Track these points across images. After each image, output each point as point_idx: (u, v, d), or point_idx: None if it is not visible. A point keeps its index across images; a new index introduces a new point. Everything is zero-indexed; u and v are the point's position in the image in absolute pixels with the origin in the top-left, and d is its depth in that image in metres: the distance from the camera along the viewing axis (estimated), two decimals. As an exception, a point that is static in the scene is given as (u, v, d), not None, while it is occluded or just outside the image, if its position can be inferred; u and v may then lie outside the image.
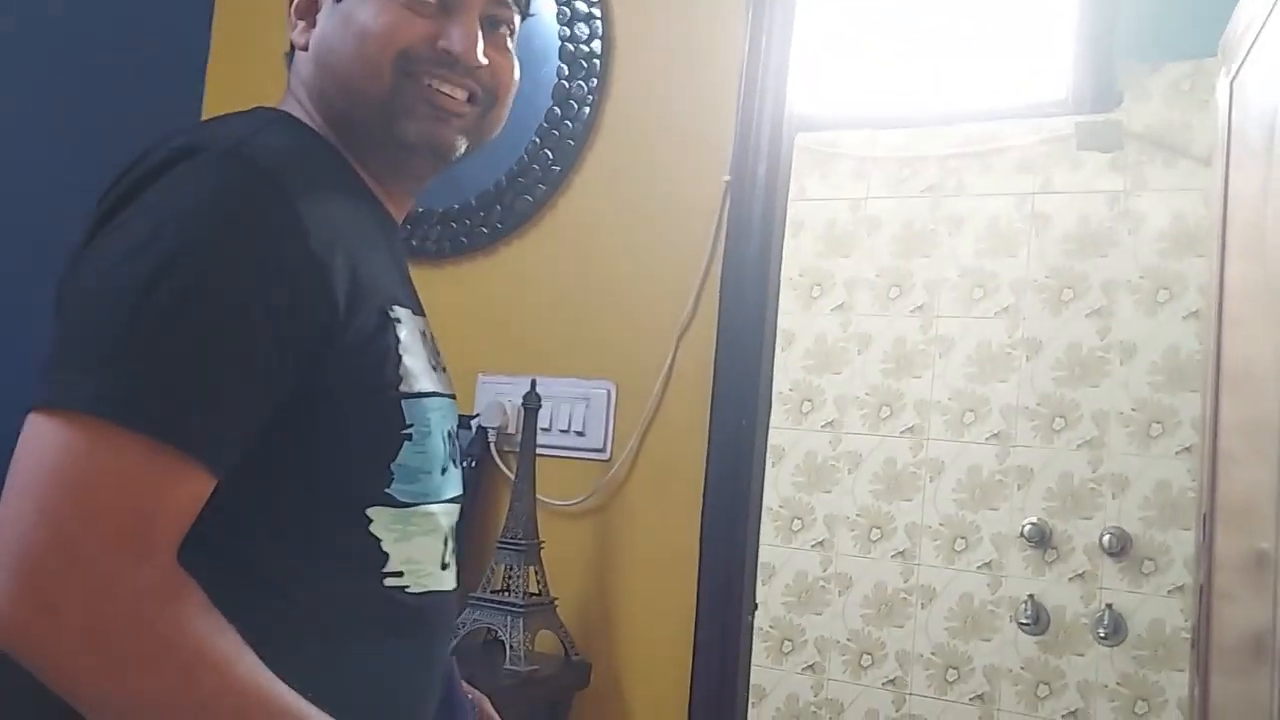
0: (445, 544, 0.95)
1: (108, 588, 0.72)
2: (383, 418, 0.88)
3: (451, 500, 0.96)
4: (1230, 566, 2.08)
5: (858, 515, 3.06)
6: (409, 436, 0.89)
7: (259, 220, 0.81)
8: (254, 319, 0.79)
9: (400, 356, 0.89)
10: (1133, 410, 2.78)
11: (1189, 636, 2.50)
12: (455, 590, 0.99)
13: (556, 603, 1.81)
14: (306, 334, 0.82)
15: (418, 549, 0.90)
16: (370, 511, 0.87)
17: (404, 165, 0.99)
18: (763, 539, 3.15)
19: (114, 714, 0.74)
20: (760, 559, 3.14)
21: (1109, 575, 2.76)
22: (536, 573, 1.79)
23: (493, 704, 1.16)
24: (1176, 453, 2.70)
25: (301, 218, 0.83)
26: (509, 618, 1.73)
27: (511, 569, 1.76)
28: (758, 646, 3.11)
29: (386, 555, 0.88)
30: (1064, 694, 2.77)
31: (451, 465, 0.97)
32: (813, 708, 3.04)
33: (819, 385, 3.15)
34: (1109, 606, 2.73)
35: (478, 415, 1.95)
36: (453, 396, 1.00)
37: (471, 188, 2.04)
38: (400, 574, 0.89)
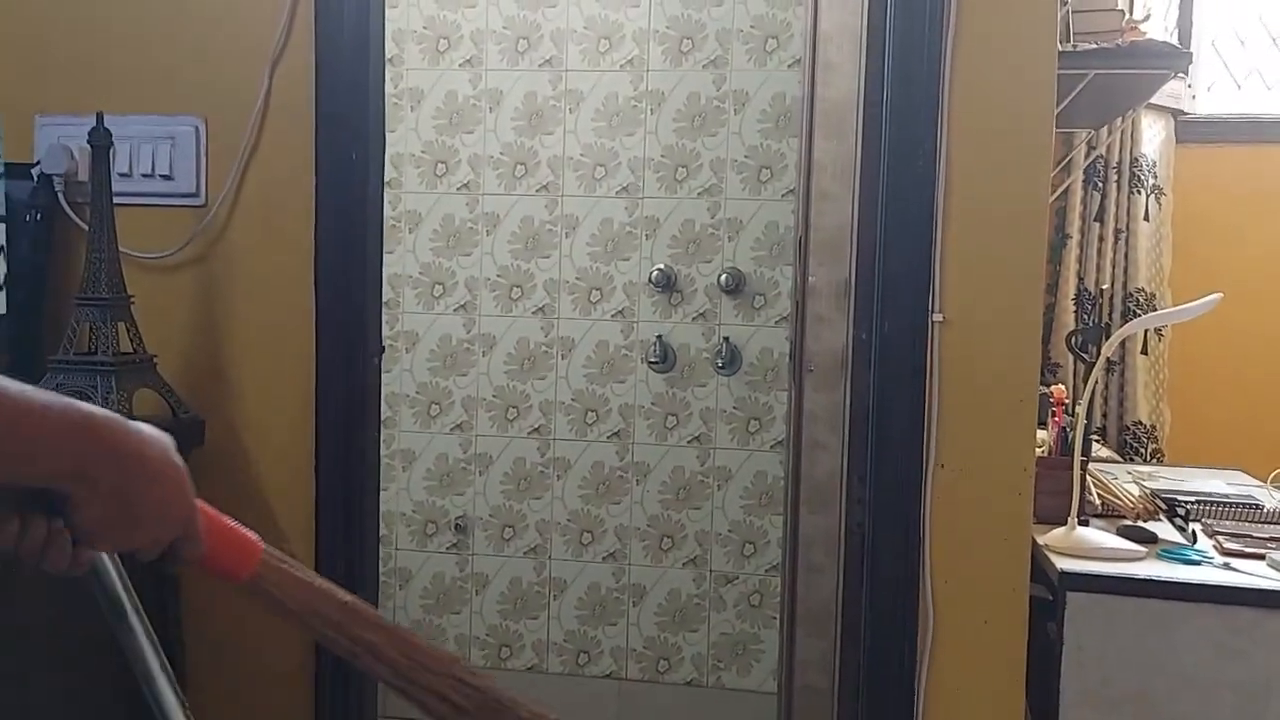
0: None
1: None
2: None
3: None
4: (822, 293, 2.31)
5: (498, 276, 3.08)
6: None
7: None
8: None
9: None
10: (745, 158, 2.94)
11: (789, 359, 2.78)
12: None
13: (156, 360, 1.67)
14: None
15: None
16: None
17: None
18: (404, 300, 3.11)
19: None
20: (403, 325, 3.12)
21: (725, 312, 2.99)
22: (128, 330, 1.63)
23: None
24: (783, 195, 2.92)
25: None
26: (98, 378, 1.58)
27: (97, 327, 1.60)
28: (405, 412, 3.11)
29: None
30: (689, 422, 3.02)
31: None
32: (462, 464, 3.12)
33: (452, 145, 3.07)
34: (726, 340, 2.97)
35: (38, 162, 1.70)
36: None
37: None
38: None
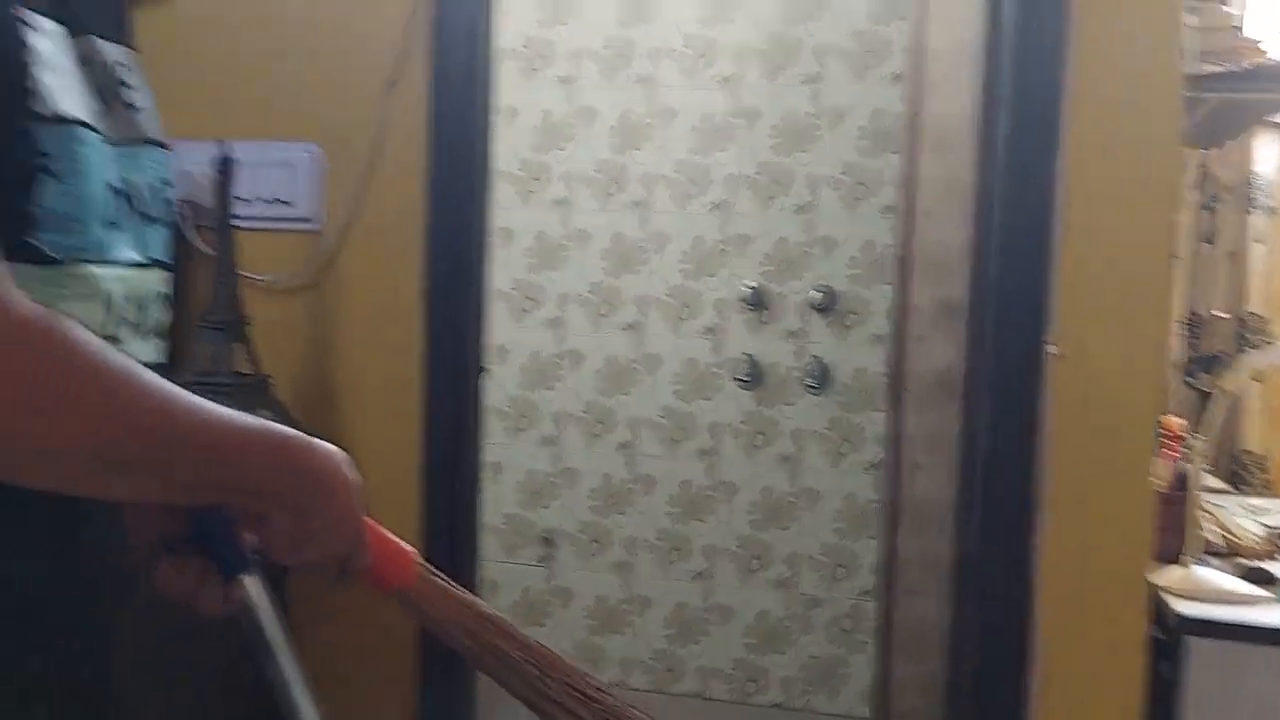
0: (110, 311, 0.83)
1: None
2: (11, 145, 0.74)
3: (133, 265, 0.84)
4: (923, 313, 2.27)
5: (589, 292, 3.09)
6: (48, 171, 0.75)
7: None
8: None
9: (27, 65, 0.74)
10: (841, 174, 2.91)
11: (887, 379, 2.74)
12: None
13: (272, 381, 1.71)
14: None
15: None
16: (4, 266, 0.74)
17: None
18: (496, 315, 3.14)
19: (94, 461, 0.69)
20: (494, 339, 3.15)
21: (817, 330, 2.96)
22: (245, 351, 1.68)
23: None
24: (881, 212, 2.88)
25: None
26: (217, 399, 1.61)
27: (217, 349, 1.64)
28: (494, 425, 3.14)
29: None
30: (779, 441, 3.00)
31: (138, 222, 0.85)
32: (550, 478, 3.14)
33: (546, 163, 3.09)
34: (817, 358, 2.94)
35: (164, 186, 1.75)
36: (154, 143, 0.88)
37: (130, -79, 1.76)
38: None
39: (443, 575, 0.92)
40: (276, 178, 1.75)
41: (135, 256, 0.86)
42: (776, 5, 2.92)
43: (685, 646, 3.07)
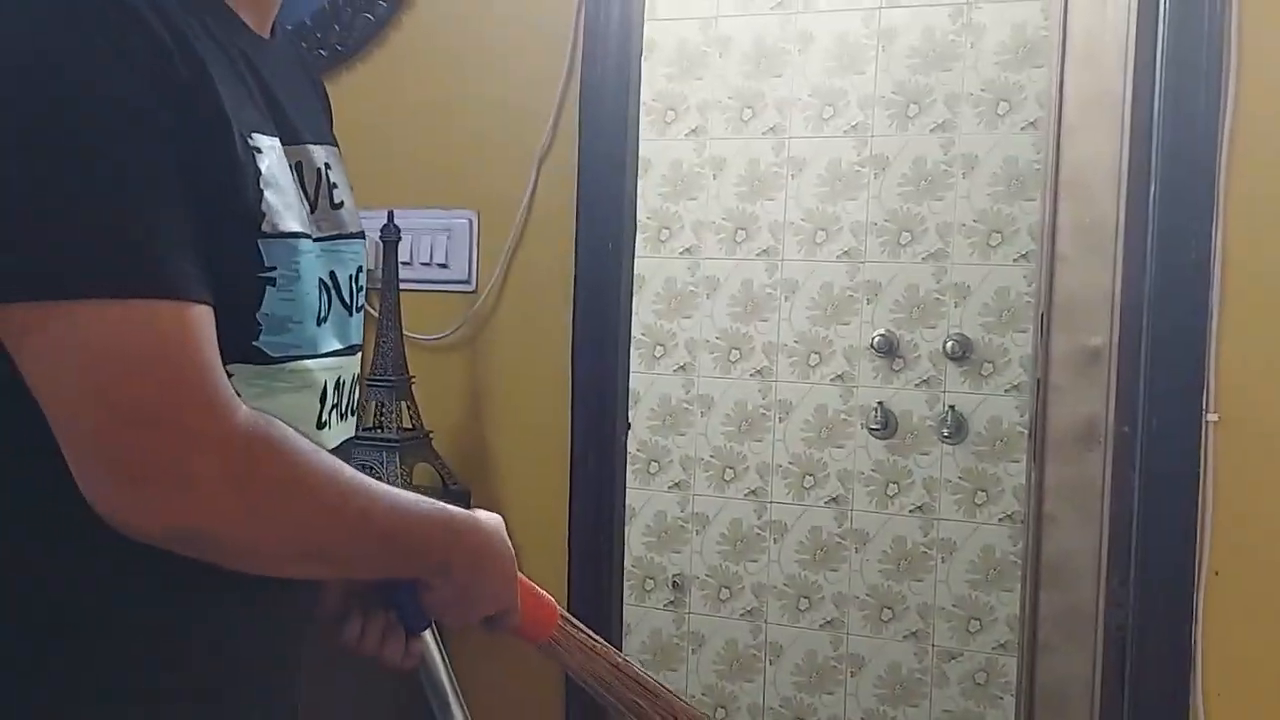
0: (323, 402, 0.89)
1: (222, 447, 0.72)
2: (240, 261, 0.80)
3: (335, 353, 0.90)
4: (1064, 362, 2.24)
5: (717, 339, 3.13)
6: (272, 281, 0.81)
7: (119, 25, 0.72)
8: (158, 139, 0.73)
9: (262, 191, 0.80)
10: (974, 221, 2.89)
11: (1024, 430, 2.70)
12: (345, 442, 0.95)
13: (431, 435, 1.80)
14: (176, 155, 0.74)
15: (285, 407, 0.84)
16: (230, 368, 0.80)
17: None
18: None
19: (301, 555, 0.78)
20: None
21: (951, 379, 2.93)
22: (409, 408, 1.77)
23: None
24: (1014, 260, 2.85)
25: (145, 24, 0.74)
26: (384, 454, 1.71)
27: (383, 406, 1.74)
28: (626, 469, 3.19)
29: None
30: (911, 491, 2.97)
31: (341, 313, 0.91)
32: (680, 522, 3.17)
33: (676, 212, 3.15)
34: (951, 408, 2.91)
35: (334, 252, 1.87)
36: (353, 236, 0.93)
37: (306, 7, 1.89)
38: None
39: (582, 625, 1.00)
40: (435, 243, 1.85)
41: (338, 345, 0.91)
42: (905, 56, 2.93)
43: (815, 695, 3.06)
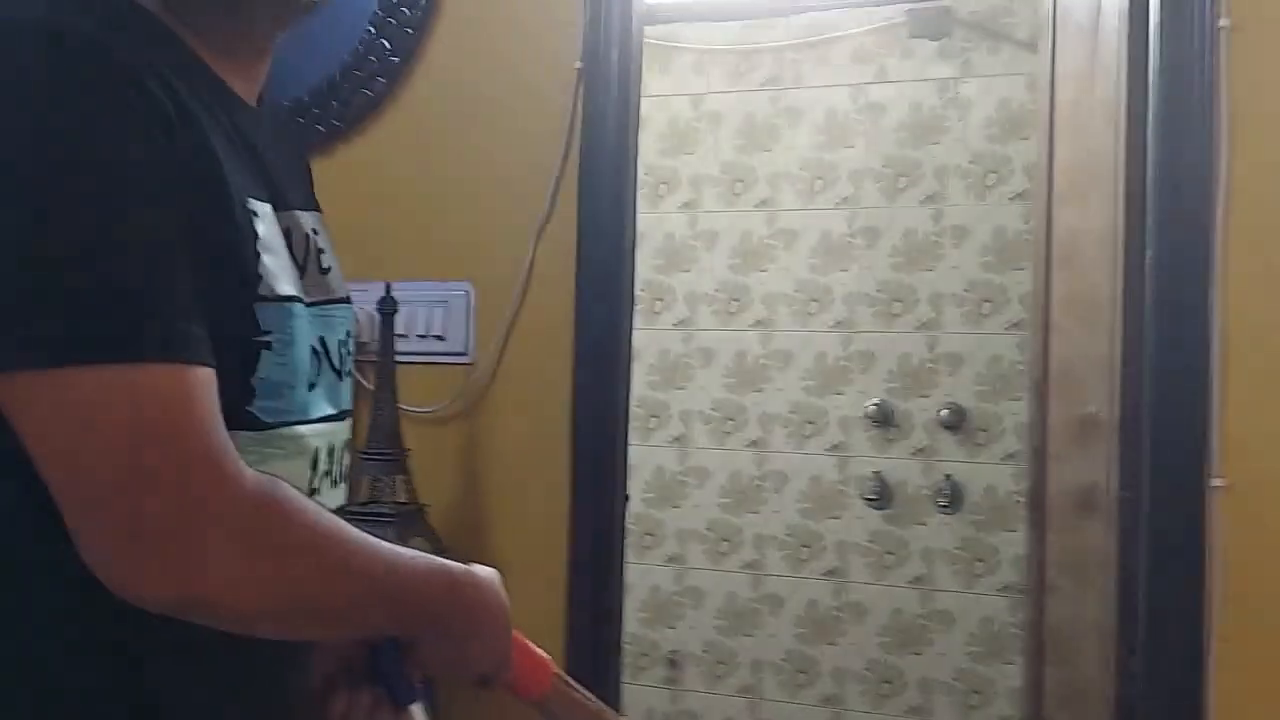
0: (315, 468, 0.88)
1: (229, 513, 0.71)
2: (237, 325, 0.79)
3: (327, 419, 0.90)
4: (1061, 429, 2.24)
5: (712, 410, 3.12)
6: (268, 345, 0.81)
7: (110, 96, 0.72)
8: (159, 203, 0.73)
9: (259, 255, 0.80)
10: (965, 291, 2.91)
11: (1020, 499, 2.68)
12: (337, 510, 0.94)
13: (427, 509, 1.77)
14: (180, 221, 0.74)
15: (277, 474, 0.82)
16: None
17: (245, 12, 0.87)
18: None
19: (305, 616, 0.77)
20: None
21: (947, 448, 2.92)
22: (404, 481, 1.74)
23: None
24: (1006, 329, 2.86)
25: (147, 92, 0.74)
26: (380, 528, 1.68)
27: (378, 480, 1.71)
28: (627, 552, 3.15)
29: None
30: (909, 562, 2.94)
31: (331, 378, 0.91)
32: (675, 596, 3.12)
33: (669, 284, 3.17)
34: (947, 477, 2.90)
35: (329, 325, 1.86)
36: (340, 300, 0.93)
37: (304, 83, 1.91)
38: None
39: (578, 685, 0.98)
40: (432, 315, 1.84)
41: (330, 410, 0.91)
42: (894, 130, 2.98)
43: (816, 776, 2.98)
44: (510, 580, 1.86)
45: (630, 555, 3.13)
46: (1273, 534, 1.53)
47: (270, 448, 0.82)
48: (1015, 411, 2.82)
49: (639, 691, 3.13)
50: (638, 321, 3.13)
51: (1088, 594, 2.06)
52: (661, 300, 3.17)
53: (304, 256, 0.90)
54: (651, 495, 3.15)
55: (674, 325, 3.16)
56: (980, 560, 2.89)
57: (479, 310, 1.84)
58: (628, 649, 3.13)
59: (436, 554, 1.76)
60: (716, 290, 3.13)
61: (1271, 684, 1.54)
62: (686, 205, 3.15)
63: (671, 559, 3.13)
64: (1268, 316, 1.55)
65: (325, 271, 0.93)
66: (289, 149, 1.00)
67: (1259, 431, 1.54)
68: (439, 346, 1.85)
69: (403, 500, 1.74)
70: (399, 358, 1.78)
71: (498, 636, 0.89)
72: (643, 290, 3.16)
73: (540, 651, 0.95)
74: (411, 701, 0.98)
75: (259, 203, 0.83)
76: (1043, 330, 2.34)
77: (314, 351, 0.88)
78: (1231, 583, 1.54)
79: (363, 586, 0.79)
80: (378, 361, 1.75)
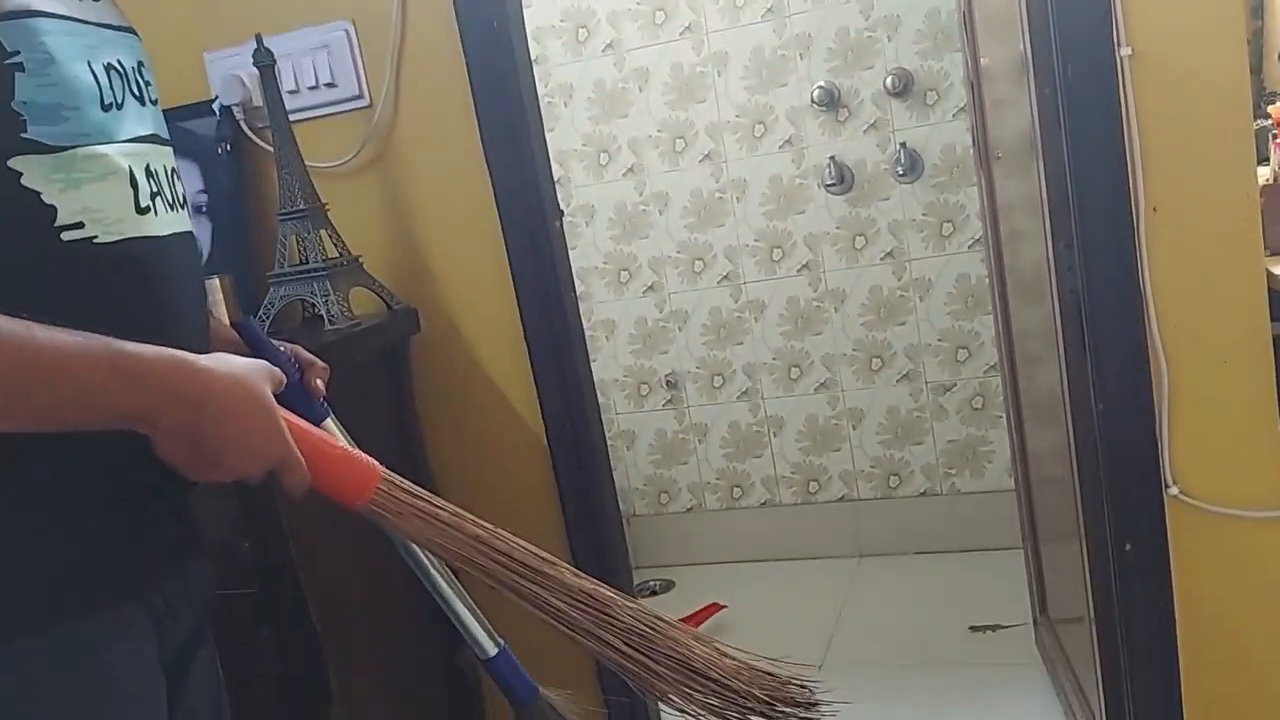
0: (135, 187, 0.87)
1: None
2: None
3: (137, 139, 0.89)
4: (996, 77, 2.17)
5: (659, 133, 3.06)
6: (19, 67, 0.78)
7: None
8: None
9: None
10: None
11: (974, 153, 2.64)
12: (181, 234, 0.94)
13: (361, 260, 1.78)
14: None
15: (94, 196, 0.83)
16: (14, 163, 0.79)
17: None
18: (573, 177, 3.14)
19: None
20: (579, 200, 3.16)
21: (898, 116, 2.86)
22: (330, 235, 1.74)
23: (327, 363, 1.09)
24: None
25: None
26: (315, 284, 1.70)
27: (302, 238, 1.71)
28: (596, 284, 3.18)
29: (53, 208, 0.81)
30: (879, 239, 2.95)
31: (133, 102, 0.89)
32: (660, 323, 3.17)
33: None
34: (903, 145, 2.85)
35: (216, 97, 1.81)
36: (124, 29, 0.91)
37: None
38: (80, 225, 0.82)
39: (412, 487, 0.93)
40: (317, 62, 1.78)
41: (140, 132, 0.90)
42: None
43: (824, 456, 3.12)
44: (465, 318, 1.88)
45: (610, 294, 3.17)
46: (1184, 92, 1.51)
47: (76, 172, 0.82)
48: (959, 63, 2.74)
49: (645, 417, 3.24)
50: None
51: (1035, 220, 2.06)
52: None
53: None
54: (617, 231, 3.14)
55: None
56: (947, 221, 2.89)
57: (364, 49, 1.78)
58: (626, 381, 3.23)
59: (384, 301, 1.79)
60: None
61: (1204, 240, 1.55)
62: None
63: (650, 289, 3.16)
64: None
65: None
66: None
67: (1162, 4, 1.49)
68: (332, 95, 1.80)
69: (333, 255, 1.74)
70: (294, 116, 1.74)
71: (249, 435, 0.82)
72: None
73: (363, 457, 0.90)
74: (322, 419, 1.02)
75: None
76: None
77: (106, 71, 0.86)
78: (1151, 150, 1.53)
79: (11, 361, 0.72)
80: (270, 121, 1.71)
